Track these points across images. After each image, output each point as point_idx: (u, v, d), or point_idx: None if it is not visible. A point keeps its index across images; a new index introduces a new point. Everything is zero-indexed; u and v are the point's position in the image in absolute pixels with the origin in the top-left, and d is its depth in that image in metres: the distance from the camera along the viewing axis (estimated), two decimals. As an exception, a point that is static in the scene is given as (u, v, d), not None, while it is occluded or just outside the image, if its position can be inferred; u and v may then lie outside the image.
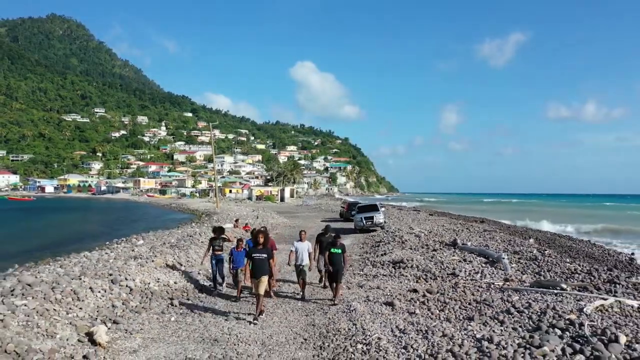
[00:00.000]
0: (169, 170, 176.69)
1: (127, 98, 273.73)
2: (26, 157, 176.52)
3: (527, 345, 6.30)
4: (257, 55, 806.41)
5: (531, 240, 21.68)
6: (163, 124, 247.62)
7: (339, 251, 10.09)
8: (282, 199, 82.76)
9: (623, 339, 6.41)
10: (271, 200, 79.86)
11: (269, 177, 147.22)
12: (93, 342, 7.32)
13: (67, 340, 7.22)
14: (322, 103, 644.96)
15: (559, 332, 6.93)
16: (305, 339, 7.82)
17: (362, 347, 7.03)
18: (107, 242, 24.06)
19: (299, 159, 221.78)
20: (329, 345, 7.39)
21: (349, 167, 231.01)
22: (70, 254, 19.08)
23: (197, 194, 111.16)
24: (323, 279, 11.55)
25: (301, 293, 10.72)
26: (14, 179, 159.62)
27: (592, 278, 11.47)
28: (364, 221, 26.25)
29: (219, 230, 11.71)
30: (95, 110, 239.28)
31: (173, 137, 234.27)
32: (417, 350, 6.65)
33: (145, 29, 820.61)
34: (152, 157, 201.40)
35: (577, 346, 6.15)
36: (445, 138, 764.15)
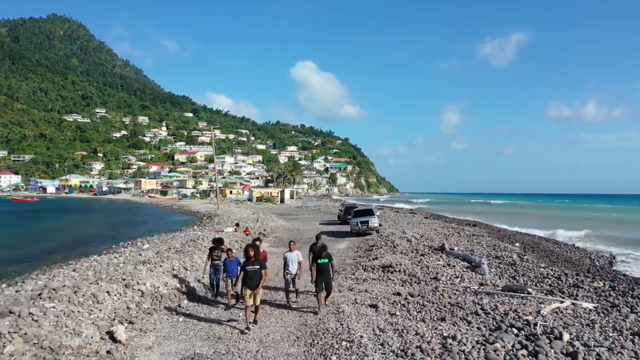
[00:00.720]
0: (170, 171, 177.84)
1: (128, 98, 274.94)
2: (27, 157, 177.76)
3: (483, 342, 7.44)
4: (257, 55, 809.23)
5: (517, 245, 22.81)
6: (164, 124, 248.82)
7: (326, 261, 10.73)
8: (282, 200, 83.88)
9: (566, 337, 7.55)
10: (271, 202, 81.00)
11: (269, 178, 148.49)
12: (114, 340, 8.45)
13: (91, 338, 8.36)
14: (322, 103, 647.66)
15: (515, 331, 8.06)
16: (298, 337, 8.94)
17: (346, 344, 8.16)
18: (114, 246, 25.17)
19: (299, 159, 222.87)
20: (318, 342, 8.51)
21: (349, 168, 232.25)
22: (80, 257, 20.24)
23: (198, 195, 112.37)
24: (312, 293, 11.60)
25: (295, 300, 11.41)
26: (16, 179, 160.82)
27: (560, 282, 12.61)
28: (360, 225, 27.31)
29: (217, 242, 12.41)
30: (96, 111, 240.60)
31: (174, 138, 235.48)
32: (391, 346, 7.78)
33: (146, 29, 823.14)
34: (152, 157, 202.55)
35: (525, 342, 7.29)
36: (446, 138, 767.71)
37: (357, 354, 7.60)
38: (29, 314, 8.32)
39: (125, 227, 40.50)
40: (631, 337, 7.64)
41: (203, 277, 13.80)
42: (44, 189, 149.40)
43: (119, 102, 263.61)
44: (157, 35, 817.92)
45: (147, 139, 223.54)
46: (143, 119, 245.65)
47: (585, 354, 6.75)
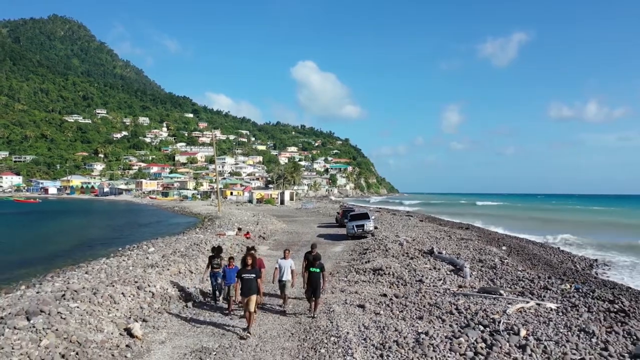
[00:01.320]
0: (171, 172, 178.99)
1: (129, 99, 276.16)
2: (29, 158, 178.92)
3: (451, 337, 8.64)
4: (258, 55, 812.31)
5: (504, 248, 24.01)
6: (164, 125, 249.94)
7: (318, 270, 11.37)
8: (282, 202, 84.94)
9: (523, 332, 8.74)
10: (271, 204, 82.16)
11: (269, 179, 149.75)
12: (131, 335, 9.64)
13: (112, 333, 9.54)
14: (323, 103, 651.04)
15: (481, 327, 9.25)
16: (293, 334, 10.12)
17: (334, 339, 9.35)
18: (120, 249, 26.32)
19: (300, 160, 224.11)
20: (309, 338, 9.70)
21: (349, 169, 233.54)
22: (90, 260, 21.47)
23: (199, 196, 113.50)
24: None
25: (283, 306, 12.16)
26: (17, 180, 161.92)
27: (532, 284, 13.81)
28: (355, 229, 28.50)
29: (217, 250, 13.22)
30: (97, 111, 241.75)
31: (174, 138, 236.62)
32: (372, 341, 8.97)
33: (147, 28, 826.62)
34: (153, 158, 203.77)
35: (485, 337, 8.49)
36: (447, 138, 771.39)
37: (343, 347, 8.80)
38: (58, 312, 9.51)
39: (128, 229, 41.57)
40: (577, 332, 8.85)
41: (206, 281, 14.94)
42: (46, 190, 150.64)
43: (119, 103, 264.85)
44: (157, 35, 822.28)
45: (147, 140, 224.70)
46: (144, 120, 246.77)
47: (533, 346, 7.95)
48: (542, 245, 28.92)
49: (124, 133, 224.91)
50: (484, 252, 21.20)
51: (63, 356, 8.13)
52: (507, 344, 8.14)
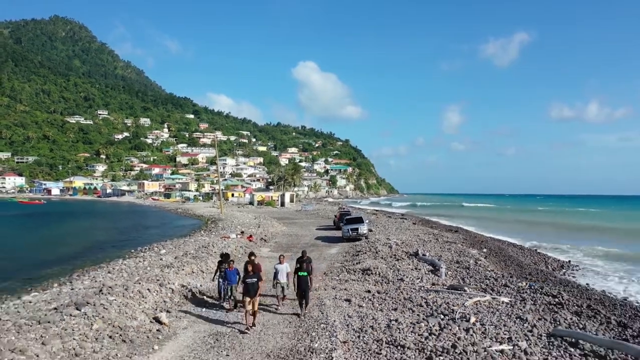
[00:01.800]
0: (172, 173, 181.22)
1: (130, 100, 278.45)
2: (31, 159, 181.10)
3: (415, 323, 10.91)
4: (258, 55, 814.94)
5: (484, 250, 26.26)
6: (165, 125, 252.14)
7: (305, 274, 12.78)
8: (283, 204, 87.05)
9: (472, 319, 11.01)
10: (272, 205, 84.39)
11: (270, 180, 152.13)
12: (159, 323, 11.91)
13: (144, 321, 11.82)
14: (324, 103, 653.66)
15: (442, 316, 11.52)
16: (290, 322, 12.39)
17: (323, 325, 11.62)
18: (133, 250, 28.44)
19: (300, 160, 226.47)
20: (304, 325, 11.97)
21: (349, 170, 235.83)
22: (109, 261, 23.58)
23: (201, 198, 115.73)
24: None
25: (277, 306, 13.83)
26: (20, 181, 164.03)
27: (495, 282, 16.07)
28: (350, 232, 30.75)
29: (225, 256, 14.84)
30: (98, 112, 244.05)
31: (175, 139, 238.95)
32: (353, 326, 11.24)
33: (148, 29, 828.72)
34: (155, 159, 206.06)
35: (441, 322, 10.76)
36: (447, 138, 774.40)
37: (329, 331, 11.08)
38: (100, 304, 11.78)
39: (135, 231, 43.35)
40: (515, 319, 11.12)
41: (214, 280, 17.12)
42: (49, 191, 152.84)
43: (120, 104, 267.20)
44: (158, 35, 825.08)
45: (149, 141, 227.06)
46: (145, 121, 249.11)
47: (476, 329, 10.21)
48: (521, 247, 31.15)
49: (126, 134, 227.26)
50: (463, 254, 23.42)
51: (111, 337, 10.41)
52: (457, 327, 10.39)
